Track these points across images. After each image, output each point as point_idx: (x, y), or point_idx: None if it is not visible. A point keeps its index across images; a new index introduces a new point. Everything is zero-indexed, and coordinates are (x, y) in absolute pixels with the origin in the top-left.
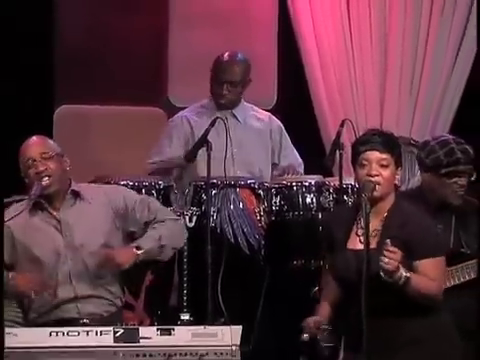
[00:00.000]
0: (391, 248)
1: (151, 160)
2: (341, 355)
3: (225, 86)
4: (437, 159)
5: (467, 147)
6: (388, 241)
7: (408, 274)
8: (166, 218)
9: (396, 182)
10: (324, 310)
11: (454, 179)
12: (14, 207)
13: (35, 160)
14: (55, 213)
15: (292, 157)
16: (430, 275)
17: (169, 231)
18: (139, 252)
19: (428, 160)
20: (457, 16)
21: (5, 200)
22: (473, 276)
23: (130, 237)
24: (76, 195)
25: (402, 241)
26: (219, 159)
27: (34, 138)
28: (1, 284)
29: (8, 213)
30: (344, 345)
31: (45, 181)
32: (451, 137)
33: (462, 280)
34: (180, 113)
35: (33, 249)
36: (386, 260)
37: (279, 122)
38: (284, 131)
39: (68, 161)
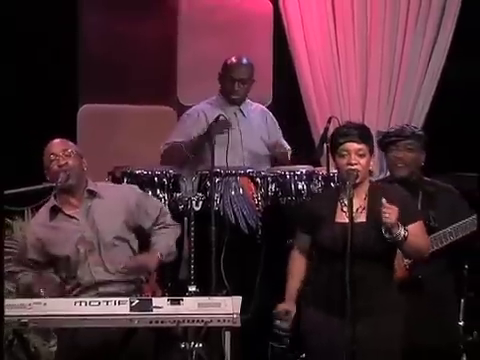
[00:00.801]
0: (388, 205)
1: (167, 141)
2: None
3: (237, 84)
4: (379, 140)
5: (413, 128)
6: (384, 200)
7: (406, 231)
8: (171, 224)
9: (370, 168)
10: (293, 293)
11: (393, 152)
12: (34, 219)
13: (57, 155)
14: (72, 212)
15: (285, 147)
16: (419, 235)
17: (175, 236)
18: (161, 257)
19: (381, 141)
20: (430, 22)
21: (37, 187)
22: (440, 246)
23: (139, 231)
24: (92, 194)
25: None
26: (231, 148)
27: (58, 139)
28: (1, 284)
29: (33, 219)
30: (314, 308)
31: (64, 175)
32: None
33: (431, 250)
34: (194, 107)
35: (56, 247)
36: (387, 215)
37: (274, 119)
38: (278, 127)
39: (86, 162)
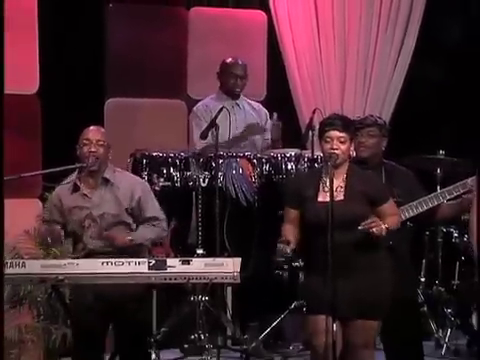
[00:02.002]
0: (372, 220)
1: (204, 142)
2: (301, 277)
3: (237, 79)
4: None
5: (375, 118)
6: (365, 224)
7: (386, 225)
8: (158, 226)
9: (350, 153)
10: (290, 234)
11: (358, 138)
12: (60, 186)
13: (92, 142)
14: (88, 191)
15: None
16: (392, 212)
17: (155, 234)
18: (129, 241)
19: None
20: (398, 27)
21: (70, 166)
22: (407, 216)
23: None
24: (106, 181)
25: (365, 193)
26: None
27: (96, 127)
28: (1, 284)
29: (64, 183)
30: (305, 271)
31: (93, 160)
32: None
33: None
34: (200, 103)
35: (70, 215)
36: (375, 230)
37: (266, 111)
38: (268, 116)
39: (111, 152)
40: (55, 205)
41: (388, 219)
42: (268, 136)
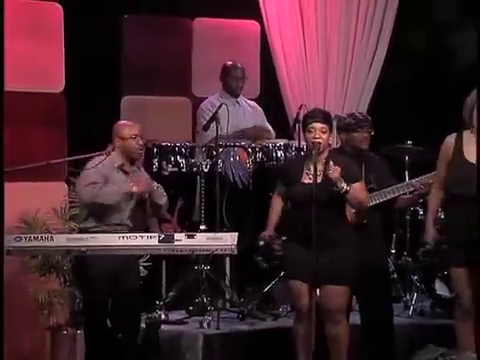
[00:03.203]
0: (332, 166)
1: (201, 132)
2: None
3: (237, 80)
4: (348, 123)
5: (361, 115)
6: (331, 163)
7: (348, 186)
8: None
9: (329, 142)
10: (273, 223)
11: (359, 133)
12: (97, 159)
13: (138, 136)
14: (129, 174)
15: (267, 126)
16: (359, 191)
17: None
18: (155, 188)
19: (343, 125)
20: (372, 34)
21: (86, 156)
22: (377, 201)
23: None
24: (139, 168)
25: (343, 175)
26: (229, 128)
27: (130, 122)
28: (1, 282)
29: (94, 162)
30: (288, 240)
31: (139, 153)
32: (354, 112)
33: (373, 203)
34: (205, 101)
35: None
36: (331, 171)
37: (261, 109)
38: (263, 113)
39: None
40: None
41: (356, 190)
42: (270, 128)
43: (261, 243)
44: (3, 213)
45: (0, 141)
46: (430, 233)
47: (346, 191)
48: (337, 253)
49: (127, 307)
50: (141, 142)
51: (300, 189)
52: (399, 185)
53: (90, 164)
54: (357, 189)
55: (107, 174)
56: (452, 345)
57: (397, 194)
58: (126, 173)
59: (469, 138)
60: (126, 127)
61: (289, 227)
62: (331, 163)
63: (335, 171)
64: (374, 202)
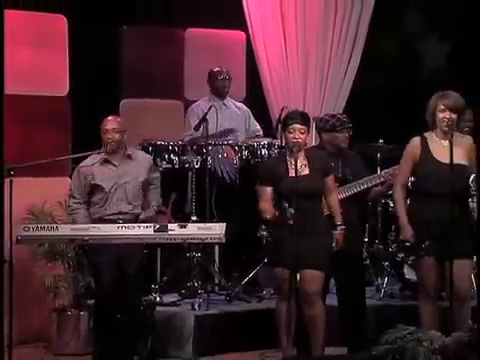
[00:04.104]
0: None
1: (189, 133)
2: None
3: (226, 82)
4: (332, 124)
5: (344, 118)
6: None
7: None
8: (157, 184)
9: (306, 141)
10: (271, 205)
11: (342, 133)
12: (91, 157)
13: (109, 131)
14: (115, 164)
15: (256, 127)
16: (333, 185)
17: (159, 190)
18: (155, 209)
19: (327, 126)
20: (347, 42)
21: (86, 153)
22: (354, 191)
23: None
24: (128, 156)
25: (321, 168)
26: (218, 127)
27: (112, 117)
28: (1, 278)
29: (86, 161)
30: (275, 232)
31: (111, 144)
32: (336, 113)
33: (347, 194)
34: (194, 104)
35: (102, 184)
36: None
37: (247, 109)
38: (251, 114)
39: (126, 134)
40: (80, 180)
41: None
42: (255, 127)
43: (268, 216)
44: (3, 209)
45: (0, 141)
46: (408, 231)
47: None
48: (316, 241)
49: (131, 289)
50: (110, 136)
51: (287, 183)
52: (370, 177)
53: (83, 162)
54: (331, 184)
55: (93, 170)
56: (419, 324)
57: (369, 185)
58: (114, 165)
59: (433, 139)
60: (103, 122)
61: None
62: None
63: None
64: (351, 192)
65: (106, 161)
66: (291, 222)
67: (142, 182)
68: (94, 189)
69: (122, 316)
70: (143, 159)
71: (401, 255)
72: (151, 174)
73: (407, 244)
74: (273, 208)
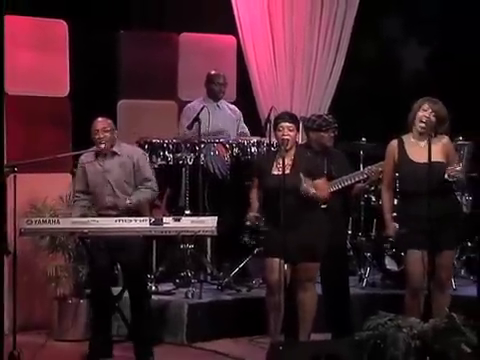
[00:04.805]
0: (304, 186)
1: (184, 130)
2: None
3: (222, 87)
4: (319, 124)
5: (330, 118)
6: (304, 183)
7: (314, 191)
8: (151, 187)
9: (296, 139)
10: (255, 208)
11: (328, 132)
12: (84, 155)
13: (99, 131)
14: (103, 163)
15: (244, 129)
16: (323, 184)
17: (149, 195)
18: (129, 203)
19: (314, 125)
20: (332, 44)
21: (85, 151)
22: (338, 187)
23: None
24: (115, 153)
25: (307, 169)
26: (211, 127)
27: (102, 118)
28: (1, 275)
29: (81, 158)
30: (265, 225)
31: (102, 143)
32: (322, 114)
33: (332, 190)
34: (189, 104)
35: (93, 181)
36: (308, 192)
37: (240, 112)
38: (241, 115)
39: (116, 132)
40: (80, 174)
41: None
42: (244, 129)
43: (248, 223)
44: (5, 204)
45: (0, 140)
46: (391, 228)
47: (314, 194)
48: (307, 234)
49: (132, 276)
50: (101, 135)
51: (271, 180)
52: (354, 173)
53: (80, 158)
54: (320, 187)
55: (85, 168)
56: (399, 312)
57: (353, 181)
58: (101, 162)
59: (410, 140)
60: (93, 122)
61: (264, 214)
62: (303, 182)
63: (308, 190)
64: (336, 188)
65: (95, 159)
66: (276, 216)
67: (131, 175)
68: (87, 185)
69: (133, 301)
70: (128, 152)
71: (388, 249)
72: (139, 165)
73: (391, 239)
74: (259, 197)
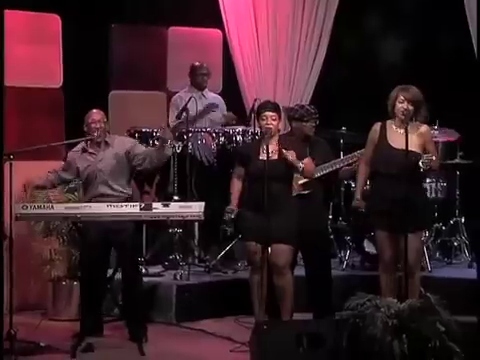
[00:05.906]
0: (285, 152)
1: (173, 120)
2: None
3: (203, 76)
4: (301, 114)
5: (312, 108)
6: (284, 151)
7: (302, 164)
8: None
9: (279, 128)
10: (236, 199)
11: (309, 122)
12: (72, 151)
13: (96, 121)
14: (95, 152)
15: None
16: (308, 164)
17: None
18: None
19: (296, 115)
20: (314, 39)
21: (78, 140)
22: (320, 174)
23: (133, 168)
24: (107, 144)
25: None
26: (198, 116)
27: (96, 110)
28: (1, 274)
29: (69, 154)
30: (245, 209)
31: (97, 133)
32: (305, 104)
33: (318, 174)
34: (176, 95)
35: (85, 170)
36: (289, 156)
37: (222, 99)
38: (224, 103)
39: (109, 125)
40: (69, 164)
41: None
42: (220, 116)
43: (228, 216)
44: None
45: (0, 133)
46: (357, 201)
47: (302, 168)
48: (284, 218)
49: (125, 258)
50: (98, 125)
51: (256, 165)
52: (334, 161)
53: (73, 149)
54: (307, 163)
55: (75, 157)
56: (377, 292)
57: (334, 168)
58: (94, 153)
59: (391, 126)
60: (88, 114)
61: (246, 198)
62: (284, 150)
63: (291, 155)
64: (317, 174)
65: (85, 150)
66: (257, 200)
67: (124, 164)
68: (79, 175)
69: (126, 282)
70: (119, 143)
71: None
72: (134, 150)
73: (360, 210)
74: (240, 187)
